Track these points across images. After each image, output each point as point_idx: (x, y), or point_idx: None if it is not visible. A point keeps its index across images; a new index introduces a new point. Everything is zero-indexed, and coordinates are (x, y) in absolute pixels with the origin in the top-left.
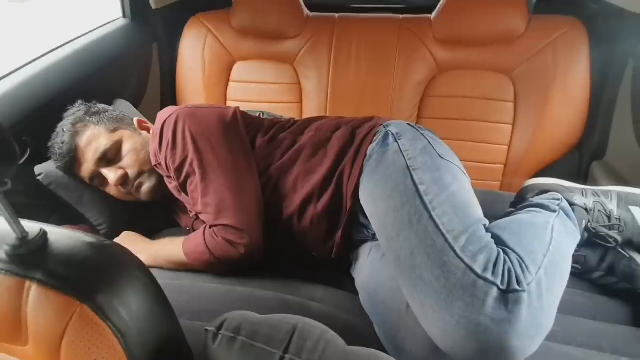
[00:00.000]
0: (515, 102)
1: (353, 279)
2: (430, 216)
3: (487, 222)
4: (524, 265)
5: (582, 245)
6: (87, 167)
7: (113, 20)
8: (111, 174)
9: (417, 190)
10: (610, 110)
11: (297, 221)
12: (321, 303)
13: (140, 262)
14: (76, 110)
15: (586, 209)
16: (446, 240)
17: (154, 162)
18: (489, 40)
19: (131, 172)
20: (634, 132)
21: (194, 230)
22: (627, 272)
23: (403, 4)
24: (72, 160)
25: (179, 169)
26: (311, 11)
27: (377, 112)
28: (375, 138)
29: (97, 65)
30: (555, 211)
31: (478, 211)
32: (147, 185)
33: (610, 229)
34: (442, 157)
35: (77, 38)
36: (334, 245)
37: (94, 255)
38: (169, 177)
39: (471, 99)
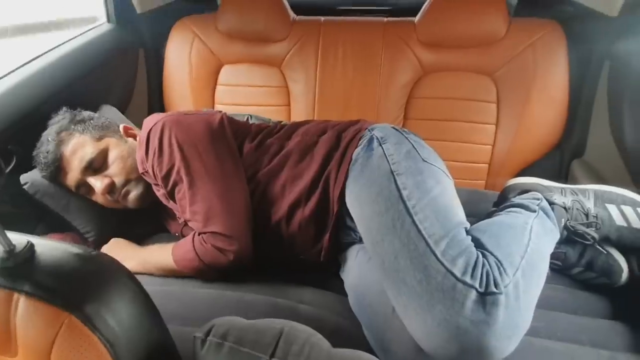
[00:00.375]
0: (497, 102)
1: (342, 280)
2: (413, 221)
3: (467, 225)
4: (501, 268)
5: (561, 242)
6: (72, 176)
7: (97, 25)
8: (98, 183)
9: (400, 195)
10: (588, 110)
11: (285, 226)
12: (310, 305)
13: (128, 271)
14: (61, 118)
15: (565, 208)
16: (427, 244)
17: (141, 170)
18: (471, 43)
19: (118, 180)
20: (611, 131)
21: (183, 236)
22: (605, 268)
23: (387, 7)
24: (57, 169)
25: (166, 177)
26: (297, 14)
27: (365, 114)
28: (360, 142)
29: (82, 71)
30: (534, 211)
31: (459, 214)
32: (135, 193)
33: (588, 227)
34: (425, 161)
35: (61, 44)
36: (322, 248)
37: (80, 265)
38: (156, 184)
39: (456, 100)
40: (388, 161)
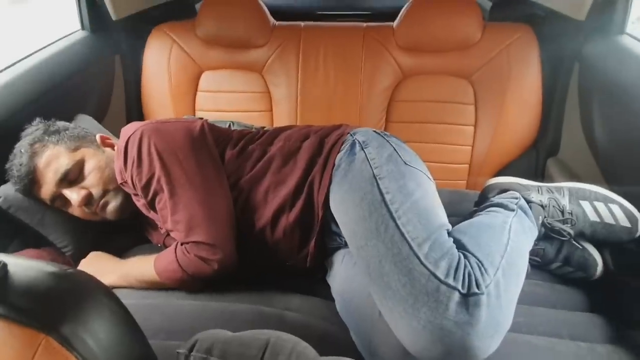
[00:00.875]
0: (475, 104)
1: (329, 285)
2: (396, 224)
3: (449, 226)
4: (482, 268)
5: (540, 239)
6: (47, 189)
7: (71, 33)
8: (74, 195)
9: (383, 199)
10: (560, 111)
11: (270, 232)
12: (297, 312)
13: (106, 287)
14: (34, 129)
15: (542, 206)
16: (411, 248)
17: (119, 181)
18: (448, 47)
19: (95, 192)
20: (583, 130)
21: (165, 247)
22: (581, 262)
23: (366, 11)
24: (31, 182)
25: (145, 187)
26: (277, 20)
27: (347, 117)
28: (342, 147)
29: (55, 80)
30: (513, 210)
31: (441, 216)
32: (113, 204)
33: (564, 223)
34: (407, 164)
35: (32, 53)
36: (308, 254)
37: (56, 284)
38: (136, 195)
39: (435, 103)
40: (370, 165)
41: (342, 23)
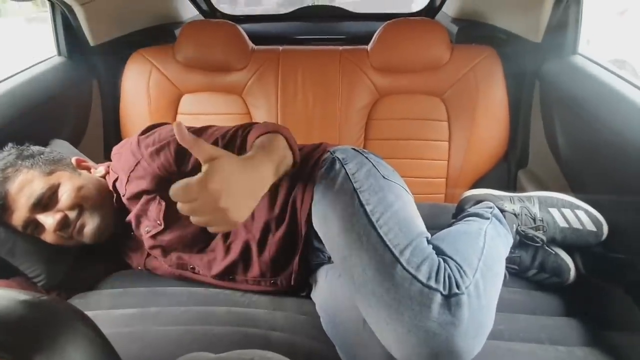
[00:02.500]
0: (448, 121)
1: (314, 303)
2: (378, 233)
3: (428, 235)
4: (461, 271)
5: (515, 246)
6: (19, 215)
7: (47, 59)
8: (49, 220)
9: (365, 211)
10: (526, 125)
11: (257, 251)
12: (283, 332)
13: (82, 314)
14: (6, 154)
15: (515, 214)
16: (393, 254)
17: (128, 171)
18: (420, 67)
19: (71, 214)
20: (547, 143)
21: (146, 269)
22: (555, 267)
23: (342, 35)
24: (1, 208)
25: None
26: (256, 44)
27: (327, 136)
28: (323, 164)
29: (29, 105)
30: (488, 218)
31: (420, 225)
32: (90, 226)
33: (536, 230)
34: (385, 178)
35: (6, 78)
36: (292, 272)
37: (29, 313)
38: (134, 199)
39: (411, 120)
40: (351, 180)
41: (319, 47)
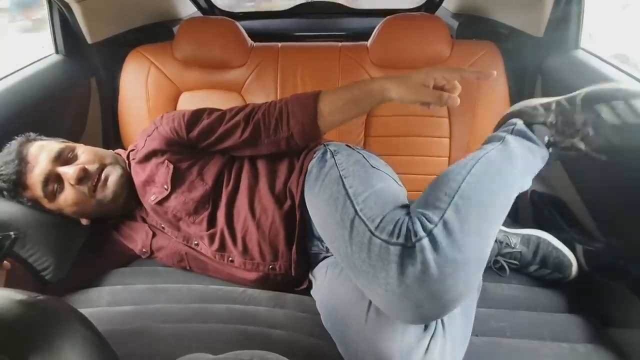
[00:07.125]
0: (449, 117)
1: (314, 300)
2: (355, 210)
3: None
4: (423, 218)
5: (549, 163)
6: (40, 170)
7: (45, 57)
8: (70, 170)
9: (347, 193)
10: None
11: (255, 227)
12: (283, 329)
13: (79, 314)
14: (14, 141)
15: (547, 124)
16: (366, 225)
17: (161, 143)
18: (420, 63)
19: (91, 167)
20: None
21: (152, 252)
22: (557, 263)
23: (341, 32)
24: (19, 173)
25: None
26: (255, 41)
27: (327, 133)
28: (315, 155)
29: (28, 103)
30: (499, 140)
31: (401, 201)
32: (114, 176)
33: (572, 138)
34: (374, 167)
35: (5, 77)
36: (292, 260)
37: (25, 313)
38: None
39: (411, 117)
40: (338, 168)
41: (318, 43)
